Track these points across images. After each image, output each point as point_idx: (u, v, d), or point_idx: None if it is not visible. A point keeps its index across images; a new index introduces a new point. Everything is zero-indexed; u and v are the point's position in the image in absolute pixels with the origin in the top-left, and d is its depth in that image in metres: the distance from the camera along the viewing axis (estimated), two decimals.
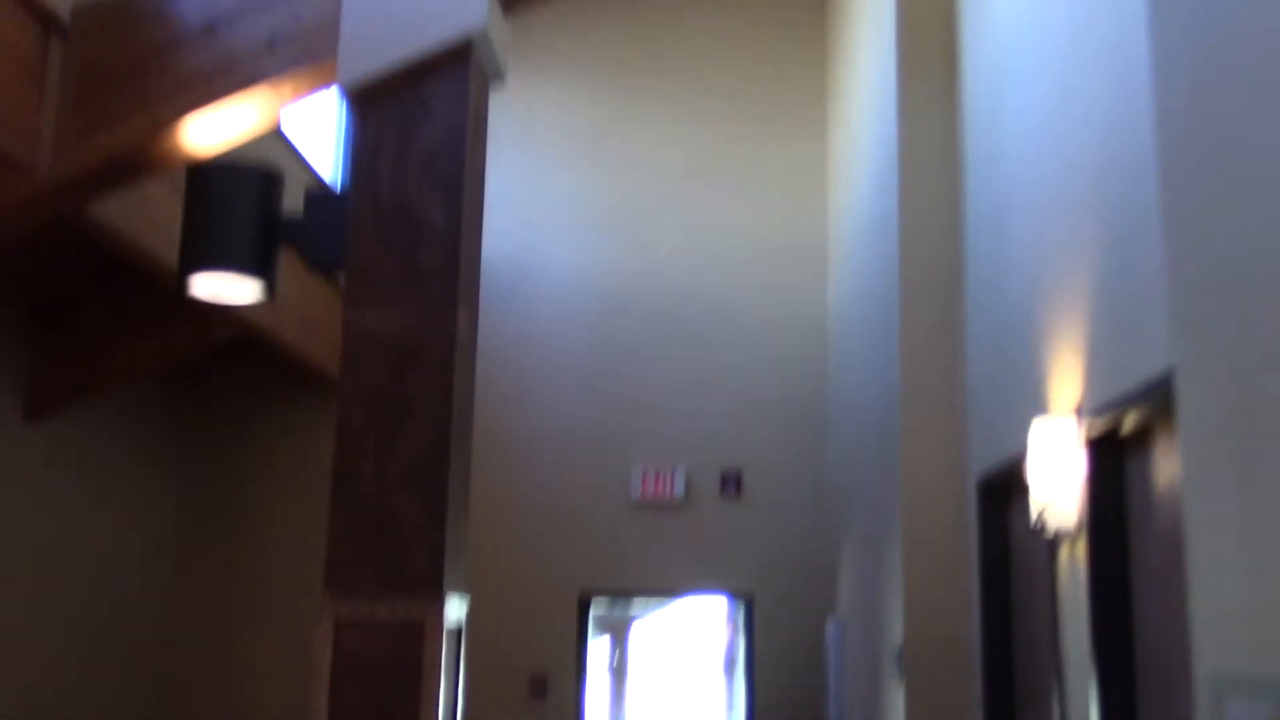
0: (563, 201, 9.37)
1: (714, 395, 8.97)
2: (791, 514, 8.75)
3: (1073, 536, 3.65)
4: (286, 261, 4.68)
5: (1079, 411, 3.62)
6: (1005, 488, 4.74)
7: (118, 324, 6.83)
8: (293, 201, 4.53)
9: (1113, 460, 3.46)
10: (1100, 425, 3.43)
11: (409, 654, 4.21)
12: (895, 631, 5.54)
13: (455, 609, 4.41)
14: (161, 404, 8.45)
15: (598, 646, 8.92)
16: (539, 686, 8.53)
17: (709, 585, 8.74)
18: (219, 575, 8.51)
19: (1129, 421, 3.32)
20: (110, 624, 7.81)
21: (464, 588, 4.67)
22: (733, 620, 9.18)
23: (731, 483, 8.77)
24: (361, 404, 4.26)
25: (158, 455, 8.44)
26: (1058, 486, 3.61)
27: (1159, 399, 2.92)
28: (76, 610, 7.37)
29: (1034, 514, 3.71)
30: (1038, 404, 4.00)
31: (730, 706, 9.17)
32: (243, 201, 4.37)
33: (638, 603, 9.63)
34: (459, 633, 4.60)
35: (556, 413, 9.01)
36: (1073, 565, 3.67)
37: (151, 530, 8.35)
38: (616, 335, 9.09)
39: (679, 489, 8.73)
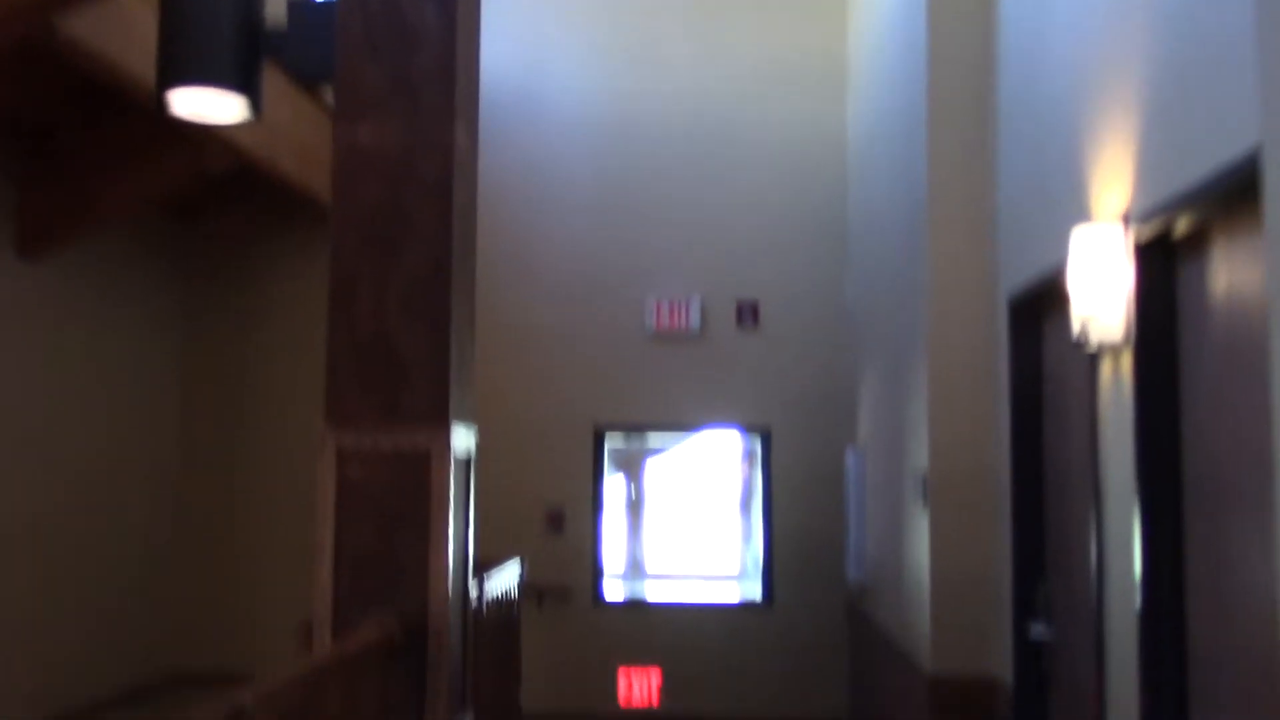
0: (570, 20, 8.91)
1: (729, 224, 8.68)
2: (810, 344, 8.56)
3: (1117, 350, 3.42)
4: (278, 86, 4.37)
5: (1126, 217, 3.35)
6: (1039, 305, 4.50)
7: (105, 154, 6.54)
8: (276, 11, 4.20)
9: (1164, 267, 3.20)
10: (1150, 230, 3.16)
11: (415, 485, 4.07)
12: (920, 458, 5.39)
13: (463, 439, 4.24)
14: (162, 241, 8.22)
15: (613, 481, 8.87)
16: (556, 520, 8.50)
17: (725, 418, 8.61)
18: (226, 412, 8.43)
19: (1182, 225, 3.05)
20: (121, 462, 7.75)
21: (473, 418, 4.50)
22: (748, 454, 9.09)
23: (748, 313, 8.55)
24: (356, 225, 4.01)
25: (160, 293, 8.25)
26: (1101, 298, 3.36)
27: (1225, 193, 2.64)
28: (82, 447, 7.29)
29: (1075, 328, 3.47)
30: (1078, 211, 3.72)
31: (747, 540, 9.15)
32: (221, 10, 4.04)
33: (653, 438, 9.52)
34: (468, 463, 4.45)
35: (567, 243, 8.75)
36: (1116, 382, 3.45)
37: (156, 367, 8.21)
38: (628, 162, 8.75)
39: (694, 320, 8.52)
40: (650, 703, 8.33)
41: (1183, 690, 3.07)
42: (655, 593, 8.87)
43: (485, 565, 6.27)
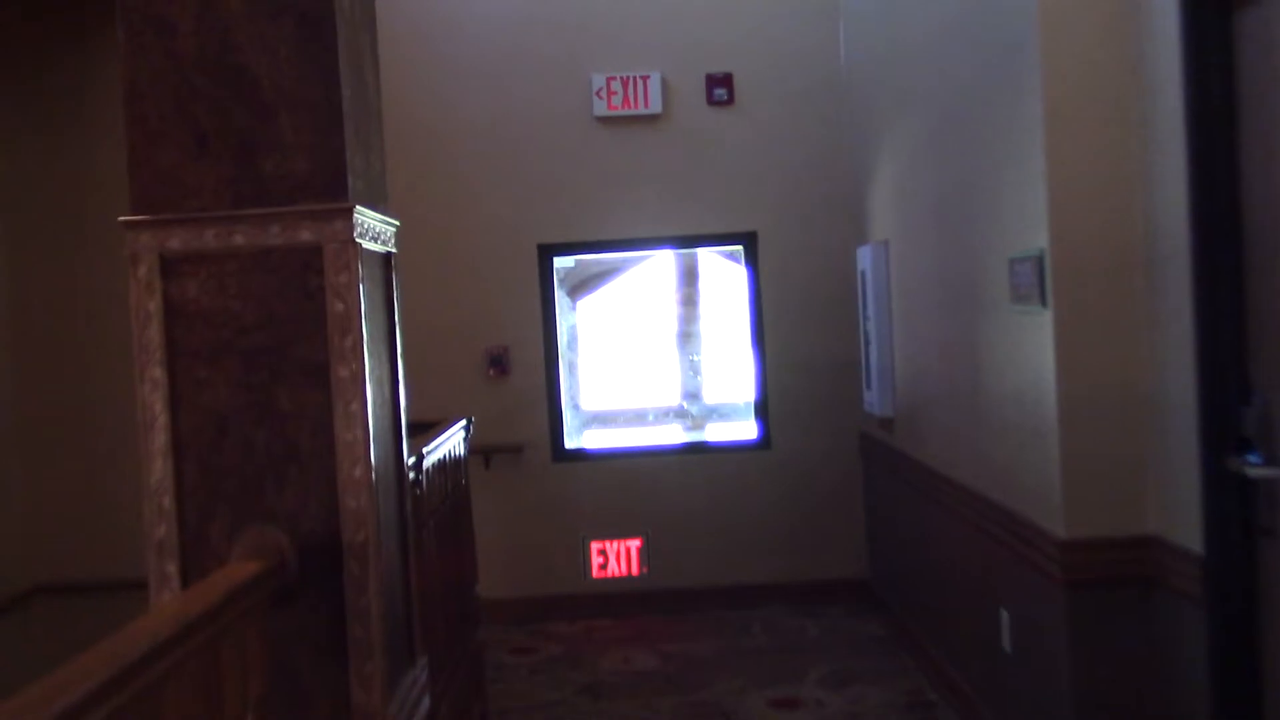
0: None
1: None
2: (800, 122, 6.88)
3: None
4: None
5: None
6: None
7: None
8: None
9: None
10: None
11: (298, 305, 2.42)
12: (1017, 237, 3.84)
13: (376, 228, 2.58)
14: None
15: (567, 313, 7.24)
16: (499, 363, 6.88)
17: (698, 225, 6.97)
18: (52, 216, 6.43)
19: None
20: None
21: (385, 199, 2.82)
22: (731, 265, 7.47)
23: (720, 87, 6.83)
24: None
25: None
26: None
27: None
28: None
29: None
30: None
31: (756, 367, 7.56)
32: None
33: (609, 259, 7.81)
34: (388, 267, 2.79)
35: (492, 11, 6.89)
36: None
37: None
38: None
39: (653, 99, 6.79)
40: (629, 572, 6.91)
41: None
42: (625, 438, 7.35)
43: (420, 432, 4.66)
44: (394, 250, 2.77)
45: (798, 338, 6.89)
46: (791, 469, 6.90)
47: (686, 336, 7.41)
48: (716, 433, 7.37)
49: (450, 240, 6.88)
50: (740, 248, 7.02)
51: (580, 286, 7.49)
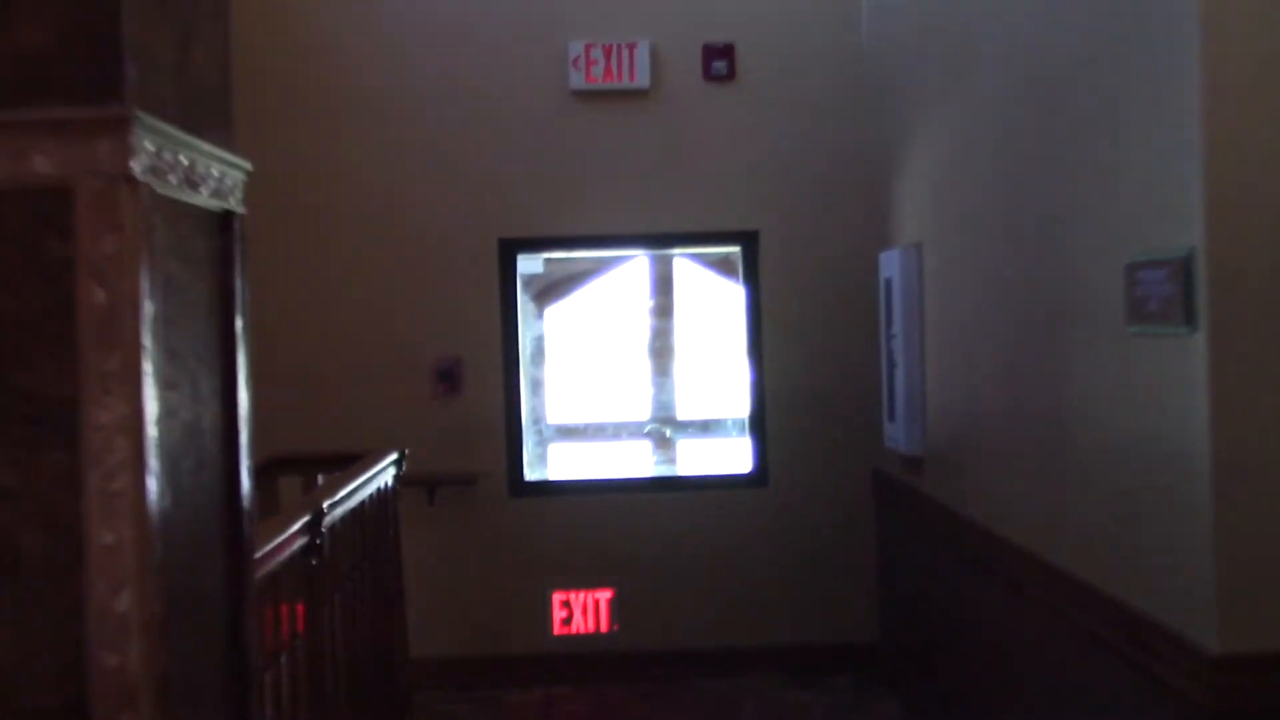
0: None
1: None
2: (813, 103, 5.84)
3: None
4: None
5: None
6: None
7: None
8: None
9: None
10: None
11: (27, 275, 1.33)
12: (1136, 232, 2.82)
13: (192, 165, 1.48)
14: None
15: (532, 320, 6.18)
16: (450, 377, 5.80)
17: (690, 221, 5.92)
18: None
19: None
20: None
21: (225, 130, 1.74)
22: (725, 274, 6.40)
23: (720, 60, 5.79)
24: None
25: None
26: None
27: None
28: None
29: None
30: None
31: (751, 384, 6.46)
32: None
33: (583, 262, 6.72)
34: (227, 226, 1.70)
35: None
36: None
37: None
38: None
39: (640, 72, 5.74)
40: (598, 628, 5.83)
41: None
42: (593, 454, 6.24)
43: (333, 468, 3.61)
44: (238, 210, 1.70)
45: (803, 356, 5.84)
46: (792, 510, 5.84)
47: (659, 348, 6.33)
48: (693, 452, 6.25)
49: (394, 229, 5.80)
50: (739, 249, 5.97)
51: (549, 292, 6.40)
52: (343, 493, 3.05)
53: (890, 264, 5.12)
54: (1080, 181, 3.19)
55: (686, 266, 6.25)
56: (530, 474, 5.97)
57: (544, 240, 5.94)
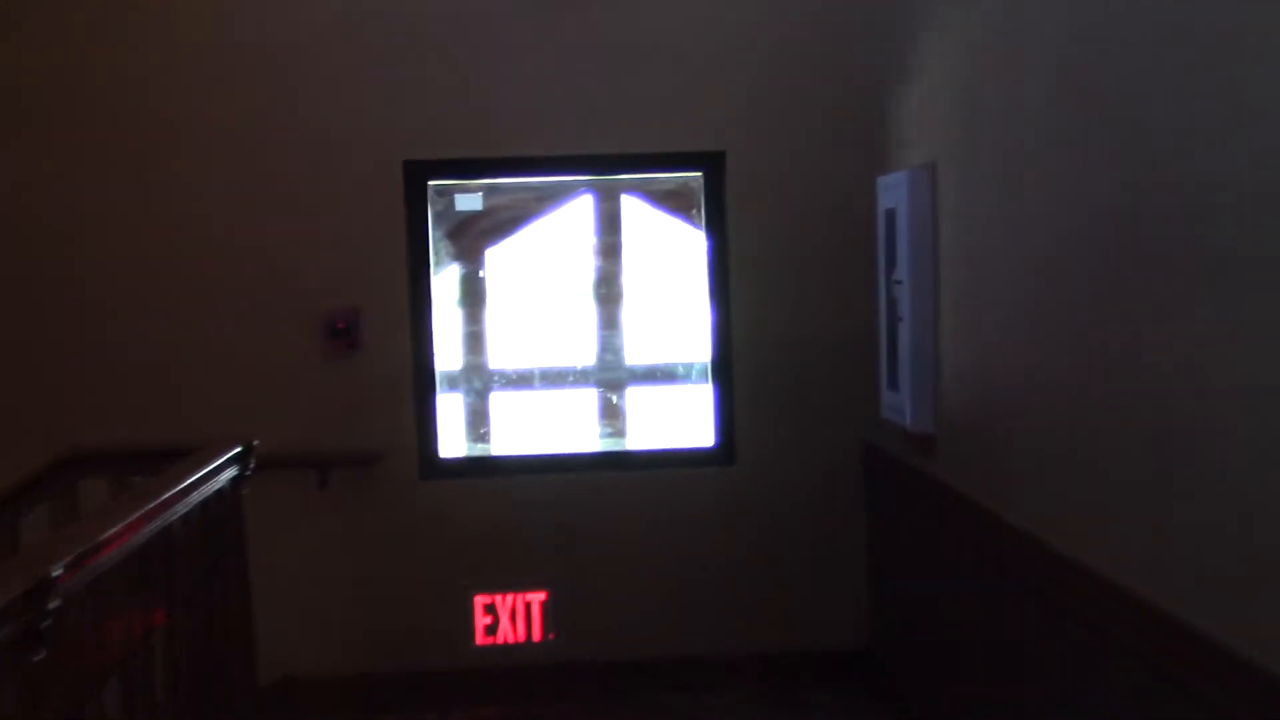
0: None
1: None
2: None
3: None
4: None
5: None
6: None
7: None
8: None
9: None
10: None
11: None
12: (1263, 143, 1.80)
13: None
14: None
15: (447, 264, 5.07)
16: (345, 332, 4.70)
17: (638, 140, 4.82)
18: None
19: None
20: None
21: None
22: (686, 210, 5.27)
23: None
24: None
25: None
26: None
27: None
28: None
29: None
30: None
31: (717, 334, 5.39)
32: None
33: (506, 190, 5.53)
34: None
35: None
36: None
37: None
38: None
39: None
40: (529, 637, 4.81)
41: None
42: (526, 444, 5.19)
43: (153, 464, 2.53)
44: None
45: (779, 307, 4.79)
46: (763, 491, 4.83)
47: (605, 293, 5.25)
48: (644, 404, 5.19)
49: (268, 151, 4.65)
50: (699, 174, 4.89)
51: (489, 232, 5.29)
52: (109, 533, 1.98)
53: (894, 191, 4.07)
54: (1206, 58, 2.14)
55: (635, 205, 5.17)
56: (444, 451, 4.90)
57: (460, 163, 4.81)
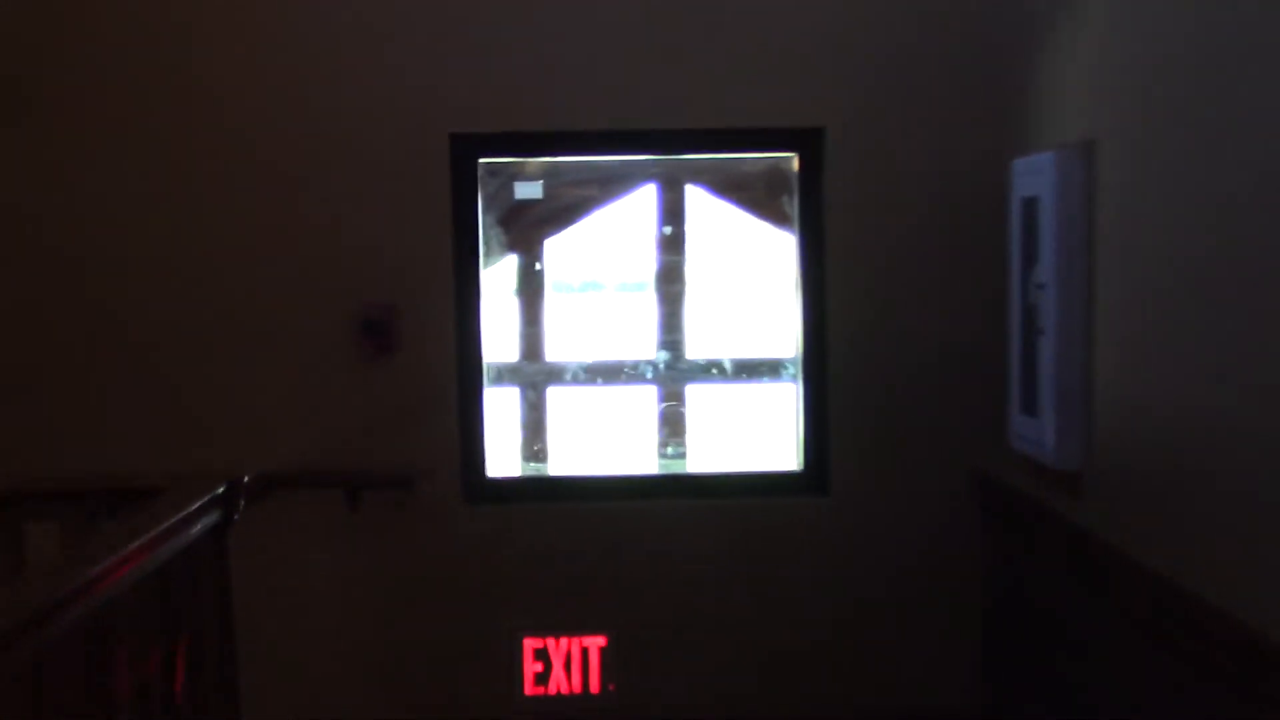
0: None
1: None
2: None
3: None
4: None
5: None
6: None
7: None
8: None
9: None
10: None
11: None
12: None
13: None
14: None
15: (499, 255, 4.45)
16: (380, 332, 4.08)
17: (721, 113, 4.14)
18: None
19: None
20: None
21: None
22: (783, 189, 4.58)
23: None
24: None
25: None
26: None
27: None
28: None
29: None
30: None
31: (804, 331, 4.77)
32: None
33: (567, 175, 4.82)
34: None
35: None
36: None
37: None
38: None
39: None
40: (585, 689, 4.16)
41: None
42: (586, 461, 4.51)
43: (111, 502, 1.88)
44: None
45: (883, 304, 4.09)
46: (860, 528, 4.14)
47: (670, 288, 4.65)
48: (710, 403, 4.55)
49: (293, 125, 4.04)
50: (793, 155, 4.20)
51: (545, 222, 4.69)
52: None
53: (1035, 175, 3.34)
54: None
55: (700, 196, 4.58)
56: (492, 470, 4.27)
57: (516, 136, 4.17)
